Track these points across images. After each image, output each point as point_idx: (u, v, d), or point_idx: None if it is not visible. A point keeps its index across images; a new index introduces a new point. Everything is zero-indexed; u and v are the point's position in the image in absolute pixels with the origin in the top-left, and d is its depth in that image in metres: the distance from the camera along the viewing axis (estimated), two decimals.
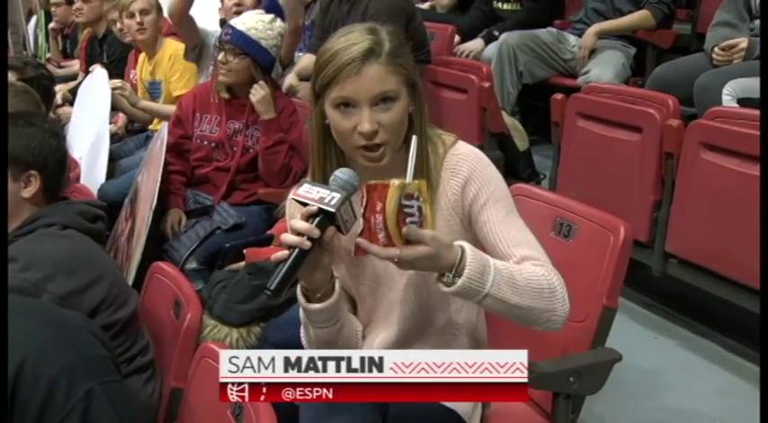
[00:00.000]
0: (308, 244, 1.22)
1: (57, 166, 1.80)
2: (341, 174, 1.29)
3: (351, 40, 1.32)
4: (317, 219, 1.24)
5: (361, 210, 1.20)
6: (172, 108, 3.40)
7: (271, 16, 2.77)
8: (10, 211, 1.71)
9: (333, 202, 1.23)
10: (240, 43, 2.67)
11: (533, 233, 1.41)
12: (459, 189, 1.39)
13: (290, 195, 1.32)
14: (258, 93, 2.67)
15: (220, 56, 2.69)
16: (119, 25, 3.94)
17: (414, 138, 1.28)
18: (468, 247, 1.26)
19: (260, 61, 2.71)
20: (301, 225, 1.22)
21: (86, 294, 1.65)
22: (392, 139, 1.34)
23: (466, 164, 1.40)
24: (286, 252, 1.23)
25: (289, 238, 1.23)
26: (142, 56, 3.68)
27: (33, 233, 1.69)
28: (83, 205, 1.83)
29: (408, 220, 1.19)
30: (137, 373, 1.74)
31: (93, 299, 1.66)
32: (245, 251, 2.20)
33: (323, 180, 1.37)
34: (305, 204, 1.25)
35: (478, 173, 1.40)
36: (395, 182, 1.19)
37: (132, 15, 3.52)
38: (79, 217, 1.76)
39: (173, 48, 3.54)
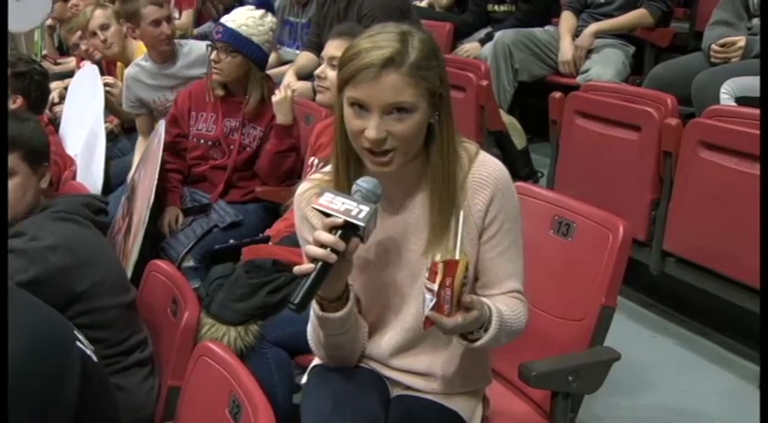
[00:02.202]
0: (334, 257, 1.21)
1: (50, 157, 1.90)
2: (365, 183, 1.27)
3: (377, 41, 1.29)
4: (341, 231, 1.22)
5: (435, 286, 1.22)
6: None
7: (261, 12, 2.74)
8: (31, 203, 1.79)
9: (361, 216, 1.22)
10: (232, 41, 2.65)
11: (524, 255, 1.46)
12: (483, 206, 1.39)
13: (312, 205, 1.30)
14: (278, 94, 2.63)
15: (213, 55, 2.67)
16: (83, 46, 3.88)
17: (462, 213, 1.31)
18: (491, 304, 1.34)
19: (253, 58, 2.69)
20: (327, 237, 1.22)
21: (83, 272, 1.71)
22: (402, 147, 1.31)
23: (492, 181, 1.39)
24: (309, 265, 1.21)
25: (314, 250, 1.22)
26: (120, 65, 3.66)
27: (43, 213, 1.77)
28: (87, 198, 1.91)
29: (464, 288, 1.26)
30: (135, 366, 1.75)
31: (89, 278, 1.71)
32: (243, 250, 2.19)
33: (343, 175, 1.36)
34: (327, 214, 1.24)
35: (501, 194, 1.39)
36: (459, 258, 1.25)
37: (94, 34, 3.47)
38: (84, 208, 1.81)
39: (143, 52, 3.46)
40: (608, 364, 1.60)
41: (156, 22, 3.14)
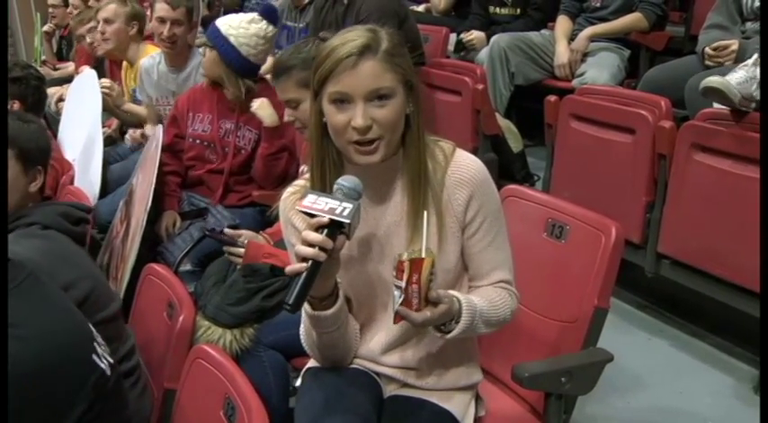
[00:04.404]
0: (323, 256, 1.24)
1: (48, 164, 1.88)
2: (345, 182, 1.30)
3: (348, 37, 1.34)
4: (328, 229, 1.25)
5: (402, 283, 1.28)
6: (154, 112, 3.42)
7: (252, 16, 2.75)
8: (17, 205, 1.75)
9: (346, 213, 1.25)
10: (210, 36, 2.71)
11: (509, 244, 1.50)
12: (464, 203, 1.42)
13: (296, 207, 1.32)
14: (255, 102, 2.65)
15: (206, 53, 2.75)
16: (88, 39, 3.90)
17: (425, 213, 1.35)
18: (461, 297, 1.38)
19: (224, 56, 2.68)
20: (315, 237, 1.24)
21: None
22: (386, 135, 1.35)
23: (471, 180, 1.42)
24: (301, 265, 1.24)
25: (303, 250, 1.24)
26: (125, 65, 3.68)
27: (12, 233, 1.67)
28: (66, 207, 1.82)
29: (431, 284, 1.30)
30: (123, 377, 1.70)
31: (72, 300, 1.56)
32: (246, 241, 2.18)
33: (321, 180, 1.39)
34: (311, 215, 1.26)
35: (482, 190, 1.43)
36: (424, 255, 1.29)
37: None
38: (61, 218, 1.75)
39: (149, 54, 3.50)
40: (601, 366, 1.61)
41: (161, 20, 3.17)
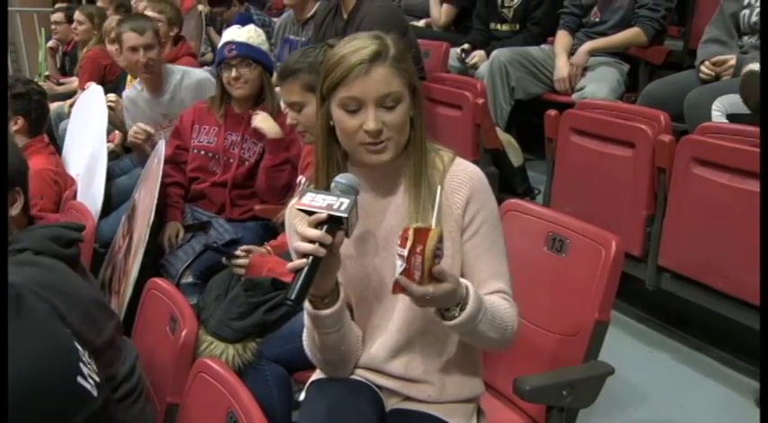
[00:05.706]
0: (323, 251, 1.26)
1: (27, 182, 1.78)
2: (342, 179, 1.34)
3: (357, 45, 1.39)
4: (327, 225, 1.28)
5: (405, 251, 1.24)
6: None
7: (250, 25, 2.85)
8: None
9: (343, 208, 1.28)
10: (251, 53, 2.72)
11: (507, 258, 1.49)
12: (462, 205, 1.44)
13: (294, 206, 1.34)
14: (256, 117, 2.67)
15: (232, 73, 2.69)
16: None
17: (439, 188, 1.35)
18: (469, 284, 1.35)
19: (268, 66, 2.77)
20: (313, 233, 1.27)
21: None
22: (396, 136, 1.39)
23: (469, 183, 1.45)
24: (301, 261, 1.27)
25: (303, 246, 1.27)
26: (129, 77, 3.71)
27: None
28: (57, 229, 1.68)
29: (437, 260, 1.26)
30: (124, 398, 1.63)
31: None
32: (267, 245, 2.19)
33: (327, 182, 1.42)
34: (310, 213, 1.29)
35: (478, 195, 1.45)
36: (432, 226, 1.27)
37: (113, 41, 3.48)
38: (51, 242, 1.61)
39: None
40: (602, 379, 1.62)
41: (133, 49, 3.16)
